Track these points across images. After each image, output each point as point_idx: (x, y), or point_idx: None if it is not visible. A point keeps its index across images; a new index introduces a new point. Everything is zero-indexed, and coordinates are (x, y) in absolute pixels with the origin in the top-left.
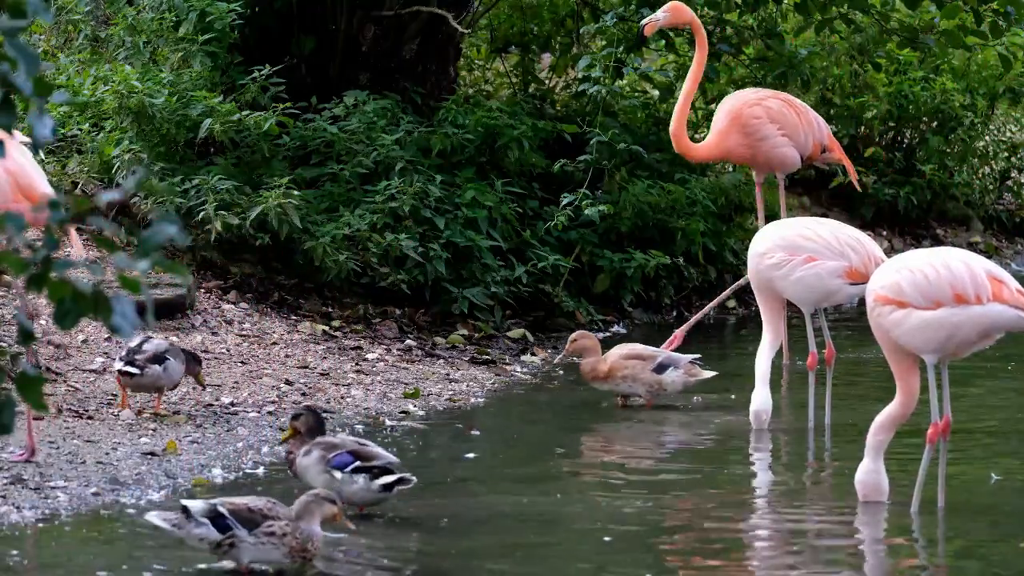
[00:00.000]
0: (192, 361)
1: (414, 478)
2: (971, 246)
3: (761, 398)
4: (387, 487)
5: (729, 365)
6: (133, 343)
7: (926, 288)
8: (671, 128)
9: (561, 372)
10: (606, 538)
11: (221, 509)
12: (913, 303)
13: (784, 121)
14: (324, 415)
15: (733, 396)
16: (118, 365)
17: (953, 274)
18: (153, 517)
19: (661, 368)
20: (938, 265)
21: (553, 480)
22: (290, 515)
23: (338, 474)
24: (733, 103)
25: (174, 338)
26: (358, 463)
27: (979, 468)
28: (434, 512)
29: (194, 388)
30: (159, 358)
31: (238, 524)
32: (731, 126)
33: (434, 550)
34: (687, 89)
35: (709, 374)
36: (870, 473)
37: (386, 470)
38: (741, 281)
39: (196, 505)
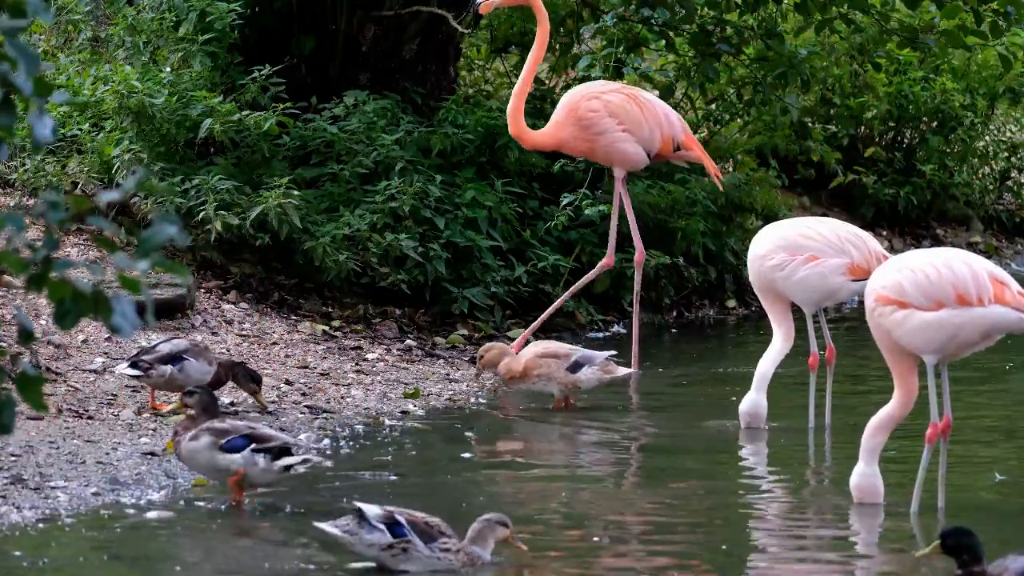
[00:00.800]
0: (248, 379)
1: (316, 458)
2: (971, 246)
3: (751, 401)
4: (288, 468)
5: (730, 365)
6: (147, 343)
7: (928, 288)
8: (508, 110)
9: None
10: (606, 539)
11: (399, 517)
12: (915, 303)
13: (625, 116)
14: (325, 414)
15: (734, 398)
16: (122, 366)
17: (955, 275)
18: (325, 526)
19: (576, 366)
20: (940, 265)
21: (553, 480)
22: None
23: (235, 456)
24: (572, 96)
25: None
26: (254, 445)
27: (981, 468)
28: (433, 511)
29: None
30: (173, 358)
31: (414, 534)
32: (567, 119)
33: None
34: (526, 71)
35: (625, 371)
36: (865, 476)
37: (285, 450)
38: (591, 274)
39: (372, 510)
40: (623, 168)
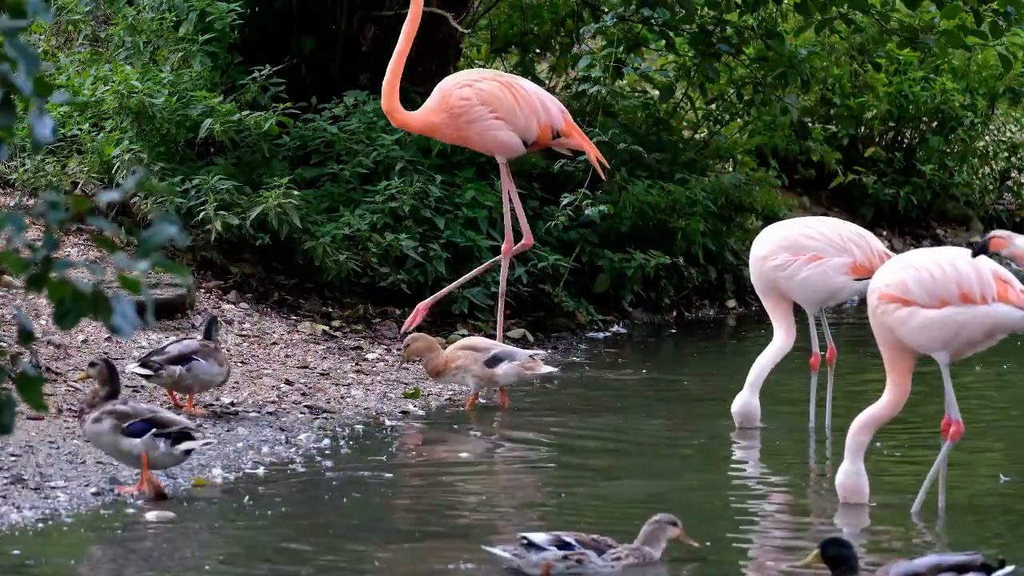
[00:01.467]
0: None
1: (213, 440)
2: (971, 246)
3: (743, 401)
4: (188, 452)
5: (729, 365)
6: (157, 344)
7: (932, 287)
8: (384, 86)
9: (560, 372)
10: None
11: (567, 538)
12: (919, 301)
13: (498, 104)
14: (325, 414)
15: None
16: (132, 366)
17: (960, 273)
18: (495, 550)
19: (495, 361)
20: (944, 264)
21: (553, 480)
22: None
23: (136, 441)
24: (447, 83)
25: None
26: (155, 429)
27: (985, 469)
28: (433, 511)
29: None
30: (182, 359)
31: (583, 548)
32: (440, 105)
33: (433, 549)
34: (400, 47)
35: (548, 369)
36: (851, 475)
37: (186, 435)
38: (485, 265)
39: (539, 536)
40: (500, 155)
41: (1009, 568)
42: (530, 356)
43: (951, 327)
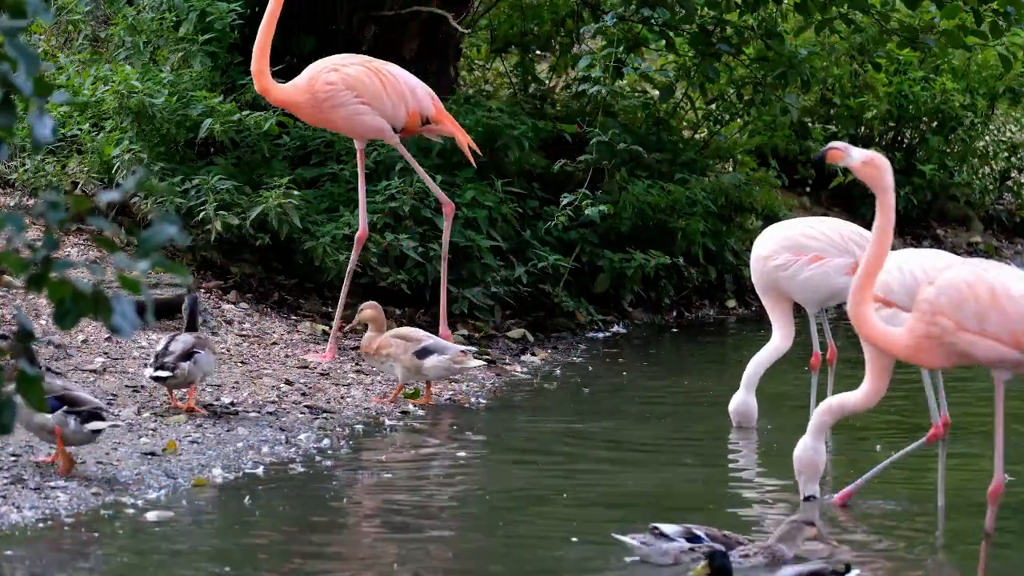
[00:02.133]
0: None
1: (120, 422)
2: (971, 246)
3: (740, 400)
4: (97, 432)
5: (729, 365)
6: (159, 346)
7: (914, 288)
8: (253, 65)
9: (560, 372)
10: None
11: (697, 531)
12: (900, 303)
13: (364, 89)
14: (325, 414)
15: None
16: (149, 372)
17: None
18: (624, 538)
19: (424, 353)
20: (928, 268)
21: (553, 481)
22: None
23: (48, 417)
24: (316, 67)
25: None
26: (67, 407)
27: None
28: (433, 511)
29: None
30: (188, 354)
31: (712, 542)
32: (307, 86)
33: (434, 549)
34: (265, 24)
35: (476, 363)
36: (808, 450)
37: (96, 415)
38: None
39: (670, 527)
40: (363, 140)
41: (855, 572)
42: (461, 351)
43: None
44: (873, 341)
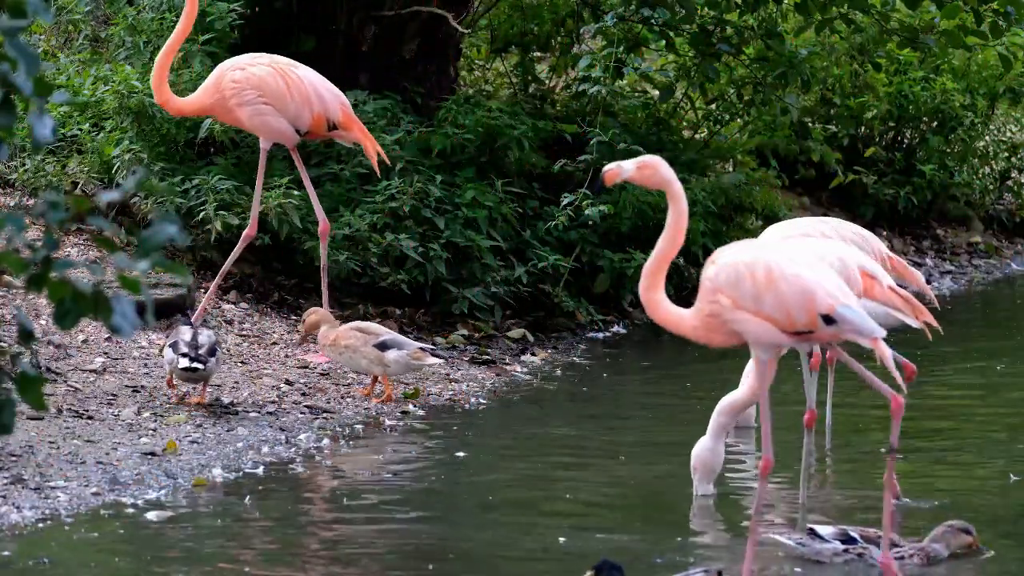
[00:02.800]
0: None
1: None
2: (971, 246)
3: (705, 448)
4: None
5: (729, 365)
6: (186, 337)
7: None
8: (152, 78)
9: (560, 372)
10: (599, 535)
11: (852, 533)
12: None
13: (267, 89)
14: (325, 414)
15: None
16: (184, 363)
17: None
18: (780, 538)
19: (383, 346)
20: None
21: (553, 481)
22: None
23: None
24: (224, 66)
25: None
26: None
27: (994, 468)
28: (433, 511)
29: (194, 388)
30: (213, 350)
31: (869, 544)
32: (214, 87)
33: (434, 548)
34: (171, 40)
35: (434, 360)
36: (705, 450)
37: None
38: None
39: (825, 528)
40: (269, 140)
41: None
42: (419, 347)
43: None
44: (664, 324)
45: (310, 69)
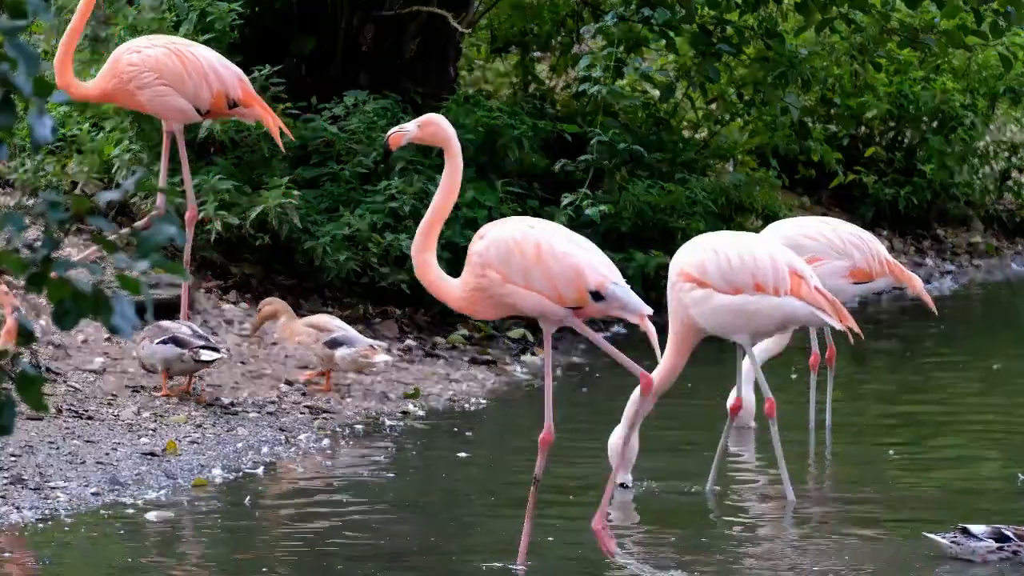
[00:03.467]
0: None
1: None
2: (971, 246)
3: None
4: None
5: (729, 365)
6: (185, 330)
7: (729, 273)
8: (55, 61)
9: (560, 372)
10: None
11: (1006, 532)
12: (715, 285)
13: (164, 70)
14: (325, 414)
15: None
16: (208, 355)
17: (757, 263)
18: (935, 536)
19: (334, 344)
20: (744, 252)
21: (554, 481)
22: None
23: None
24: (120, 49)
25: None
26: None
27: (996, 466)
28: (433, 511)
29: (194, 388)
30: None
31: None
32: (111, 71)
33: (434, 548)
34: (73, 23)
35: (384, 358)
36: (618, 438)
37: None
38: (145, 219)
39: (978, 527)
40: (170, 122)
41: None
42: (370, 345)
43: (742, 315)
44: (430, 289)
45: (207, 48)
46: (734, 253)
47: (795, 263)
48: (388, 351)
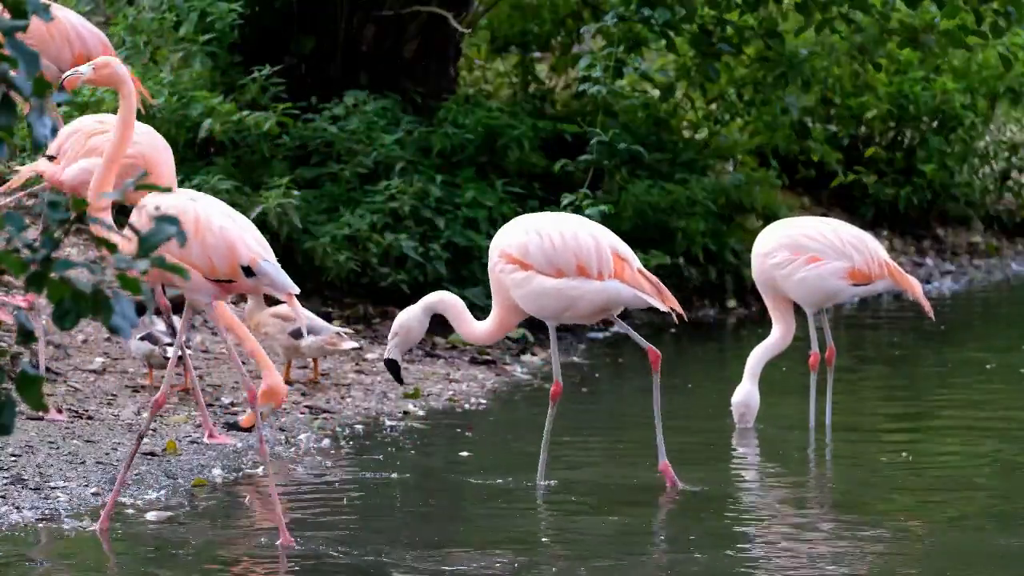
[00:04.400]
0: None
1: None
2: (971, 246)
3: (745, 391)
4: None
5: (730, 365)
6: (161, 327)
7: (552, 255)
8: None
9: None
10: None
11: None
12: (537, 267)
13: (28, 30)
14: (325, 414)
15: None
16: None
17: (580, 246)
18: None
19: (299, 333)
20: (567, 234)
21: (553, 481)
22: None
23: None
24: None
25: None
26: None
27: (1003, 466)
28: (433, 511)
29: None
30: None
31: None
32: None
33: (434, 548)
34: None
35: (351, 345)
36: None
37: None
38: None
39: None
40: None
41: None
42: (336, 332)
43: (564, 299)
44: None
45: (69, 9)
46: (557, 235)
47: (617, 245)
48: (355, 338)
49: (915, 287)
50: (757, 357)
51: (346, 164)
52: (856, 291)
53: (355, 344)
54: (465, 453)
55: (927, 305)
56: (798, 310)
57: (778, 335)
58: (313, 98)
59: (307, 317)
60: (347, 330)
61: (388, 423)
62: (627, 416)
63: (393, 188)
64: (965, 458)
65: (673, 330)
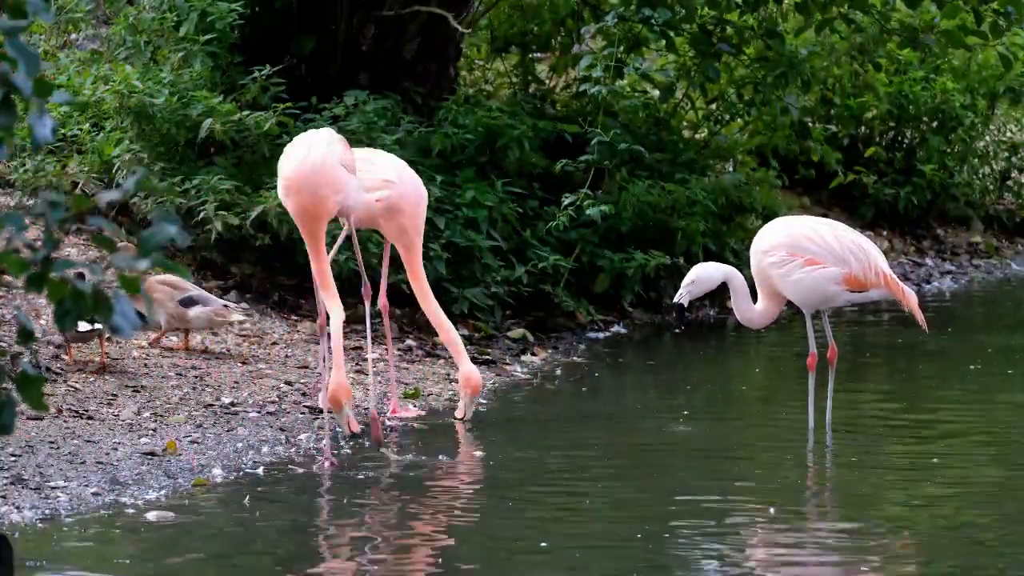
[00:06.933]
0: None
1: None
2: (971, 246)
3: (710, 269)
4: None
5: (730, 365)
6: (191, 294)
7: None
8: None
9: (560, 372)
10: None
11: None
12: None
13: None
14: (323, 411)
15: (734, 399)
16: (84, 325)
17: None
18: None
19: (189, 302)
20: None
21: (554, 481)
22: None
23: None
24: None
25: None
26: None
27: (1003, 467)
28: (433, 511)
29: (194, 388)
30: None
31: None
32: None
33: (434, 548)
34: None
35: (238, 317)
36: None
37: None
38: None
39: None
40: None
41: None
42: (224, 305)
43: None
44: None
45: None
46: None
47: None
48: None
49: (911, 299)
50: (743, 292)
51: None
52: (851, 297)
53: (242, 316)
54: (465, 453)
55: (921, 317)
56: (797, 311)
57: (760, 308)
58: (313, 98)
59: (196, 289)
60: (236, 304)
61: (388, 423)
62: (627, 415)
63: None
64: (965, 458)
65: (673, 330)
